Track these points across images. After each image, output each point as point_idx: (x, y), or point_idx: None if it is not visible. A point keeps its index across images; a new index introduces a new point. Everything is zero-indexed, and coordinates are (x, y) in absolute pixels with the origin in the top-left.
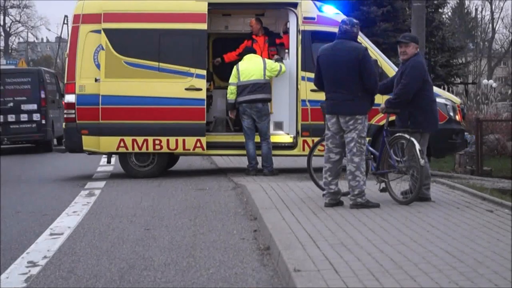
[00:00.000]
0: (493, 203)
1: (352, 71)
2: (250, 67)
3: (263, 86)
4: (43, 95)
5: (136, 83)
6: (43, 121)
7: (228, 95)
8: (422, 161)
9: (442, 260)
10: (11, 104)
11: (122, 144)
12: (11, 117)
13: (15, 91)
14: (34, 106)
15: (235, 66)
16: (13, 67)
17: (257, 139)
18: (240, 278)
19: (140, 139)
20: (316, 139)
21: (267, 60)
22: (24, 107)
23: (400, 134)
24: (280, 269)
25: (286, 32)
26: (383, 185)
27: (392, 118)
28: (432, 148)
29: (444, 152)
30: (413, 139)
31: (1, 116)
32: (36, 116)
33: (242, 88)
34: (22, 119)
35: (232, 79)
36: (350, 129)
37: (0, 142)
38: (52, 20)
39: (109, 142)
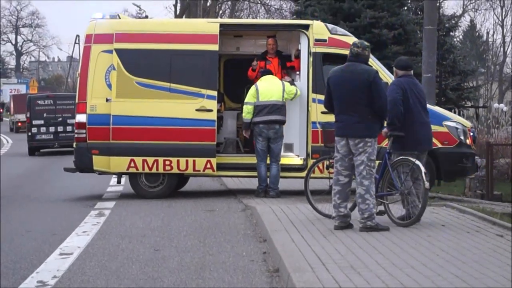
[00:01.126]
0: (503, 228)
1: (363, 94)
2: (270, 87)
3: (281, 108)
4: None
5: (147, 103)
6: None
7: (244, 114)
8: (427, 184)
9: (452, 285)
10: (60, 119)
11: (132, 164)
12: (60, 128)
13: (63, 110)
14: None
15: (253, 86)
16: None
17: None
18: None
19: (150, 160)
20: (326, 162)
21: (284, 83)
22: (69, 121)
23: (404, 157)
24: None
25: (298, 56)
26: (380, 207)
27: None
28: (442, 172)
29: (454, 175)
30: (418, 162)
31: (54, 127)
32: None
33: (260, 108)
34: (67, 130)
35: (250, 98)
36: (360, 151)
37: (52, 145)
38: (64, 39)
39: (120, 162)
